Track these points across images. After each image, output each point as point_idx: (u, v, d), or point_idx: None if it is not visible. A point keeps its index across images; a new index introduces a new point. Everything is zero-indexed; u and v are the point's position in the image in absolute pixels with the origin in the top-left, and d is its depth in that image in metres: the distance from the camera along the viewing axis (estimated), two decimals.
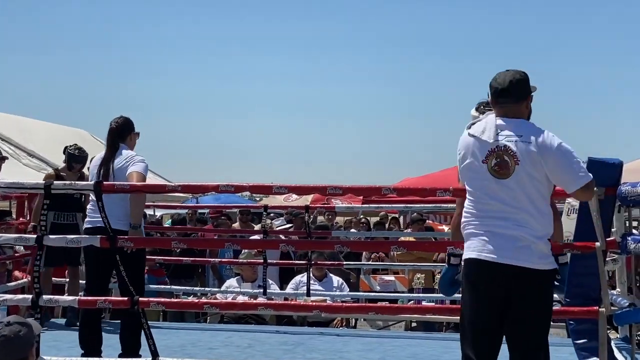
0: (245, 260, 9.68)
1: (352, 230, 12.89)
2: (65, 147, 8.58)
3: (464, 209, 4.52)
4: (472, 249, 4.39)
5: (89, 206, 6.44)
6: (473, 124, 4.50)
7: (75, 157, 8.44)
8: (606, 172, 4.91)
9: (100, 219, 5.97)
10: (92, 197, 6.22)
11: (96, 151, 7.36)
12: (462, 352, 4.42)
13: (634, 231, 6.08)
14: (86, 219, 6.44)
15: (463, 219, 4.50)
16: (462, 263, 4.50)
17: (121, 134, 6.47)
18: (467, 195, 4.50)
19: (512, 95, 4.41)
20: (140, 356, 6.11)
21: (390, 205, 7.67)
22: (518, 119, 4.39)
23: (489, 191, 4.37)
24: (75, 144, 8.63)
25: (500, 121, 4.38)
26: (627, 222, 5.49)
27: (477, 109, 5.56)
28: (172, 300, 6.15)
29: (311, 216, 9.29)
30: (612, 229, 5.41)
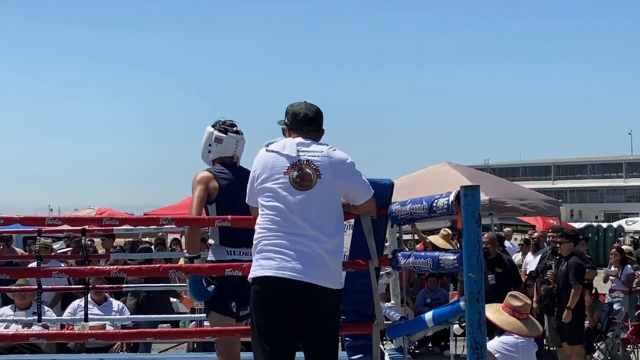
0: (17, 287, 9.23)
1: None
2: None
3: (257, 225, 4.53)
4: (267, 267, 4.40)
5: None
6: (270, 143, 4.61)
7: None
8: (378, 191, 5.06)
9: None
10: None
11: None
12: None
13: (405, 247, 6.30)
14: None
15: (257, 235, 4.50)
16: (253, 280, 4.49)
17: None
18: (260, 212, 4.52)
19: (318, 124, 4.75)
20: None
21: (171, 227, 7.57)
22: (315, 140, 4.66)
23: (288, 204, 4.42)
24: None
25: (300, 139, 4.59)
26: (398, 238, 5.67)
27: (214, 126, 5.72)
28: None
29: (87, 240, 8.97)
30: (386, 244, 5.58)
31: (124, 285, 9.58)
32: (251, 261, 4.60)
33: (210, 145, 5.80)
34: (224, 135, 5.79)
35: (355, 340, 5.43)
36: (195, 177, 5.64)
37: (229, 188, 5.65)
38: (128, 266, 6.16)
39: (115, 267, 5.64)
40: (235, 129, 5.86)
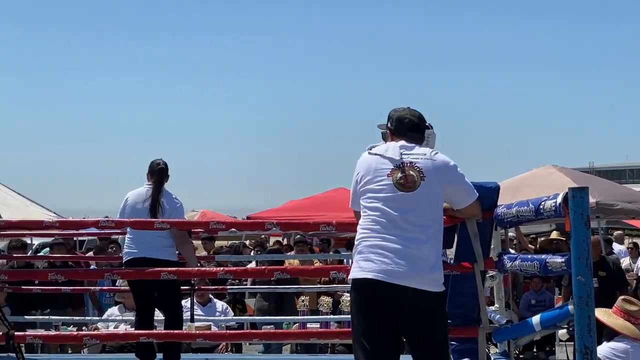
0: (126, 288, 9.45)
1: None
2: None
3: (359, 226, 4.54)
4: (367, 269, 4.40)
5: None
6: (373, 147, 4.61)
7: None
8: (484, 195, 5.02)
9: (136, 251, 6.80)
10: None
11: None
12: None
13: (511, 250, 6.23)
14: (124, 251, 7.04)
15: (358, 235, 4.51)
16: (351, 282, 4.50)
17: (160, 178, 6.99)
18: (363, 214, 4.53)
19: (421, 130, 4.76)
20: None
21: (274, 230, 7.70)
22: (417, 145, 4.65)
23: (391, 205, 4.42)
24: None
25: (403, 143, 4.60)
26: (503, 241, 5.62)
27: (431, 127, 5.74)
28: (50, 333, 5.95)
29: None
30: (492, 247, 5.53)
31: (228, 287, 9.73)
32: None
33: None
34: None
35: (461, 344, 5.40)
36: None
37: None
38: (234, 268, 6.23)
39: (221, 268, 5.75)
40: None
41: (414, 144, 4.64)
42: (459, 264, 5.20)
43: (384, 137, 4.93)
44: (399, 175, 4.46)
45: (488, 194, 5.12)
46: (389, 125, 4.81)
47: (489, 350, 5.86)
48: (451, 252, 5.44)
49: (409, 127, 4.72)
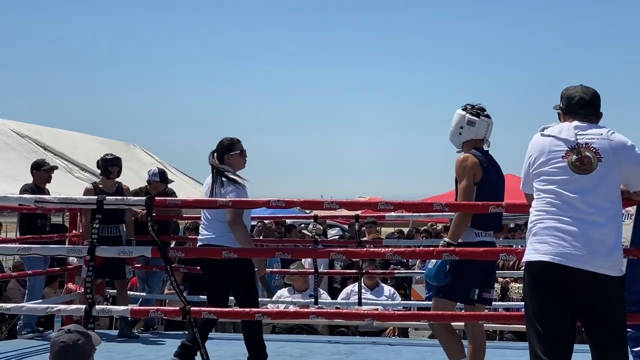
0: (296, 270, 9.66)
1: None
2: (98, 160, 8.78)
3: (533, 208, 4.46)
4: (543, 252, 4.31)
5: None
6: (545, 128, 4.52)
7: (110, 161, 8.67)
8: None
9: (211, 237, 6.30)
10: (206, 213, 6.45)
11: (145, 163, 7.43)
12: None
13: None
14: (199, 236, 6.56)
15: (532, 217, 4.43)
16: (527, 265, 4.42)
17: (219, 156, 6.55)
18: (536, 196, 4.45)
19: (595, 107, 4.60)
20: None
21: (442, 214, 7.58)
22: (593, 123, 4.51)
23: (567, 188, 4.32)
24: (107, 156, 8.79)
25: (577, 123, 4.46)
26: None
27: (464, 110, 5.70)
28: (224, 309, 6.13)
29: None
30: None
31: (396, 271, 9.76)
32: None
33: (461, 127, 5.81)
34: (476, 119, 5.78)
35: (637, 331, 5.21)
36: (461, 161, 5.66)
37: (489, 174, 5.67)
38: (402, 249, 6.22)
39: (390, 249, 5.75)
40: (485, 113, 5.85)
41: (587, 123, 4.50)
42: (637, 248, 5.01)
43: (559, 117, 4.82)
44: (575, 157, 4.34)
45: None
46: (560, 105, 4.69)
47: None
48: (626, 238, 5.26)
49: (579, 105, 4.57)
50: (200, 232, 6.50)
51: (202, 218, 6.51)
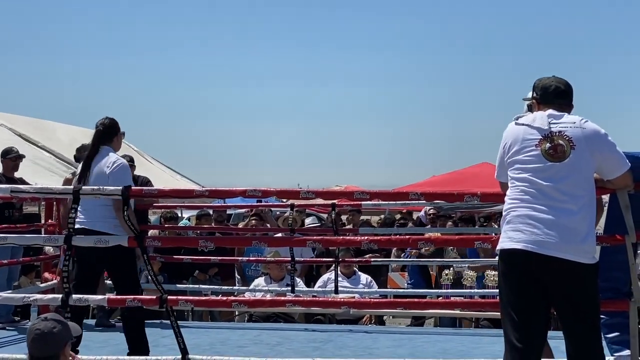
0: (272, 259, 9.67)
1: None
2: (77, 149, 8.72)
3: (507, 197, 4.50)
4: (516, 240, 4.35)
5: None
6: (519, 117, 4.57)
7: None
8: (636, 165, 4.86)
9: (86, 221, 6.28)
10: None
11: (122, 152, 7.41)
12: None
13: None
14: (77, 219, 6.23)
15: (506, 206, 4.47)
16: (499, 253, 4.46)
17: (105, 135, 6.54)
18: (510, 185, 4.49)
19: (569, 96, 4.67)
20: (148, 353, 6.21)
21: (418, 202, 7.67)
22: (566, 113, 4.56)
23: (540, 176, 4.36)
24: (83, 144, 8.68)
25: (551, 111, 4.52)
26: None
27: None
28: (201, 298, 6.16)
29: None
30: None
31: (372, 259, 9.79)
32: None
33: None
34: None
35: (611, 318, 5.27)
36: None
37: None
38: (378, 237, 6.26)
39: (365, 237, 5.79)
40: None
41: (562, 112, 4.55)
42: (610, 235, 5.07)
43: (530, 109, 4.86)
44: (548, 145, 4.39)
45: (638, 164, 4.95)
46: (534, 95, 4.74)
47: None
48: (600, 225, 5.32)
49: (555, 94, 4.63)
50: (77, 215, 6.20)
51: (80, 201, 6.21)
